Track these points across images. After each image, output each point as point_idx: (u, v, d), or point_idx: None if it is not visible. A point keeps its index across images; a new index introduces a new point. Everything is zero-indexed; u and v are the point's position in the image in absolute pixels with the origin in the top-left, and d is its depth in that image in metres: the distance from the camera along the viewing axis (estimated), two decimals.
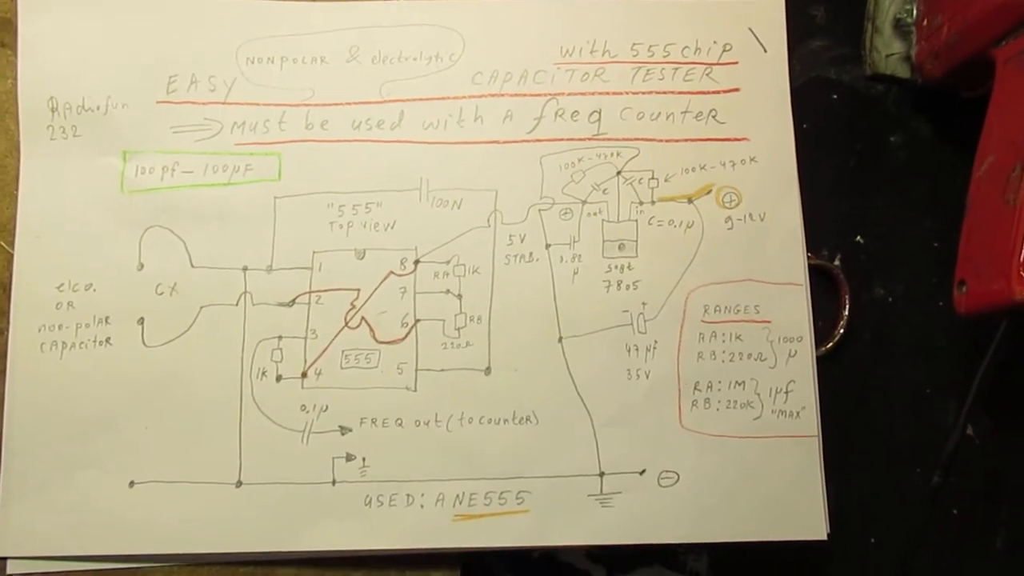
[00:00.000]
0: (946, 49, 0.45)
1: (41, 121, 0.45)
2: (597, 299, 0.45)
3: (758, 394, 0.45)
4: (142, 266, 0.45)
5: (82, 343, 0.44)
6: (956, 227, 0.43)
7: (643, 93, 0.47)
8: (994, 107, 0.42)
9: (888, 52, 0.49)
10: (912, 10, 0.48)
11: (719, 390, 0.45)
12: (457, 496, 0.44)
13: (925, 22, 0.47)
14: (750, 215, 0.46)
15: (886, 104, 0.50)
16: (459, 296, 0.45)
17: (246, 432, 0.44)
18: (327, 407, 0.44)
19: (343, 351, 0.45)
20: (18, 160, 0.45)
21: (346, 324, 0.45)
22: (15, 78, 0.46)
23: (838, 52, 0.51)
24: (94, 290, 0.45)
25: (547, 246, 0.46)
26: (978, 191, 0.42)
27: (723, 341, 0.45)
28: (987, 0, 0.42)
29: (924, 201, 0.49)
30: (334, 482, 0.44)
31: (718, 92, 0.47)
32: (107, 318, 0.44)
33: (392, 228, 0.46)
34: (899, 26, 0.48)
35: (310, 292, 0.45)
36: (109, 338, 0.44)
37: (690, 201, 0.46)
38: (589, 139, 0.47)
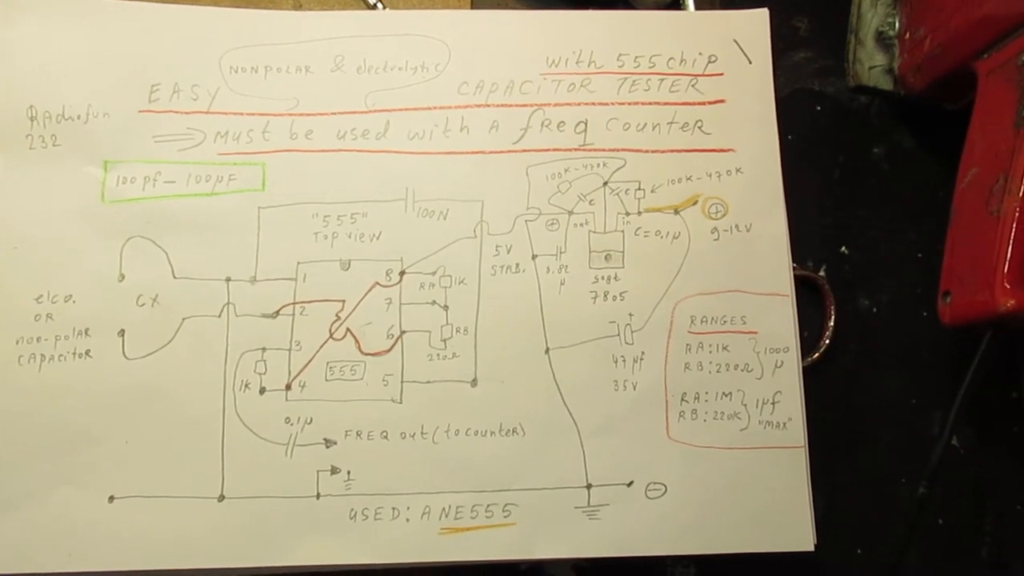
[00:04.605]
0: (928, 61, 0.46)
1: (20, 130, 0.45)
2: (584, 310, 0.45)
3: (745, 405, 0.45)
4: (123, 277, 0.44)
5: (61, 356, 0.43)
6: (940, 238, 0.43)
7: (629, 104, 0.47)
8: (976, 119, 0.43)
9: (871, 64, 0.49)
10: (895, 23, 0.49)
11: (706, 401, 0.45)
12: (443, 509, 0.43)
13: (907, 35, 0.48)
14: (736, 226, 0.46)
15: (869, 116, 0.51)
16: (445, 307, 0.45)
17: (229, 445, 0.43)
18: (311, 420, 0.44)
19: (328, 363, 0.44)
20: None
21: (331, 335, 0.45)
22: None
23: (822, 64, 0.51)
24: (74, 302, 0.44)
25: (533, 257, 0.46)
26: (962, 202, 0.42)
27: (710, 352, 0.45)
28: (968, 13, 0.42)
29: (908, 212, 0.50)
30: (318, 496, 0.43)
31: (704, 103, 0.48)
32: (87, 330, 0.44)
33: (377, 239, 0.45)
34: (882, 38, 0.49)
35: (294, 303, 0.45)
36: (89, 351, 0.44)
37: (676, 212, 0.46)
38: (575, 150, 0.47)
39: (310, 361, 0.44)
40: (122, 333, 0.44)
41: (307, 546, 0.43)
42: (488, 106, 0.47)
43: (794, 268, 0.46)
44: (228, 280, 0.45)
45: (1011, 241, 0.38)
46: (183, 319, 0.44)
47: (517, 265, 0.46)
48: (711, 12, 0.49)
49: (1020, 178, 0.38)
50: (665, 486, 0.44)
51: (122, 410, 0.43)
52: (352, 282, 0.45)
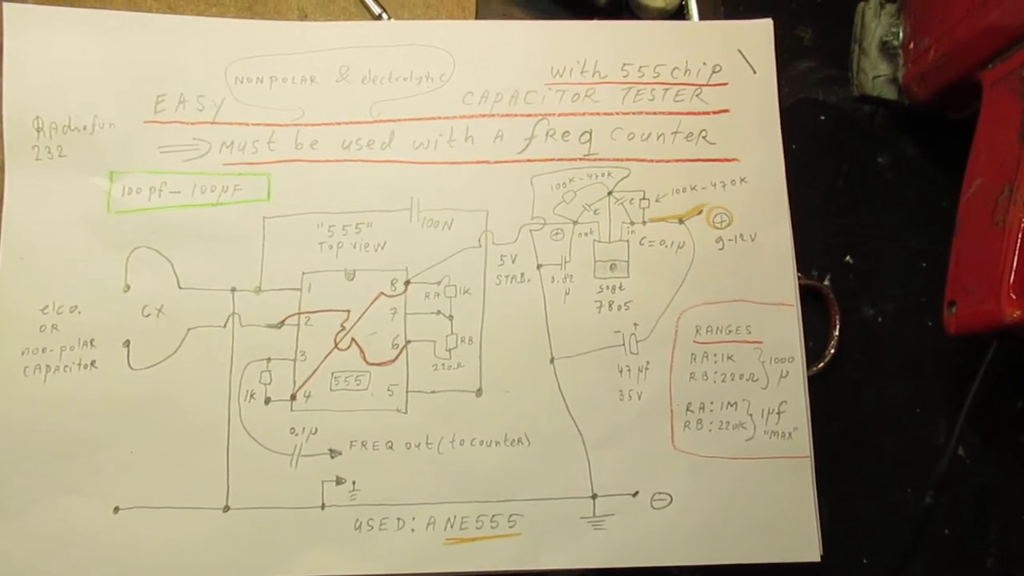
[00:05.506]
0: (932, 71, 0.46)
1: (26, 141, 0.45)
2: (589, 320, 0.45)
3: (750, 415, 0.45)
4: (128, 288, 0.44)
5: (66, 366, 0.43)
6: (944, 247, 0.43)
7: (634, 113, 0.47)
8: (981, 129, 0.43)
9: (875, 74, 0.49)
10: (899, 32, 0.49)
11: (711, 411, 0.45)
12: (448, 520, 0.43)
13: (911, 44, 0.48)
14: (741, 235, 0.46)
15: (873, 125, 0.51)
16: (450, 317, 0.45)
17: (234, 456, 0.43)
18: (316, 430, 0.44)
19: (333, 373, 0.44)
20: (2, 180, 0.45)
21: (336, 346, 0.45)
22: (0, 97, 0.45)
23: (826, 73, 0.51)
24: (79, 312, 0.44)
25: (538, 266, 0.46)
26: (967, 212, 0.42)
27: (715, 362, 0.45)
28: (973, 23, 0.42)
29: (912, 221, 0.50)
30: (324, 506, 0.43)
31: (708, 113, 0.48)
32: (92, 341, 0.44)
33: (382, 248, 0.45)
34: (886, 48, 0.49)
35: (299, 313, 0.45)
36: (94, 361, 0.44)
37: (681, 221, 0.46)
38: (580, 159, 0.47)
39: (315, 371, 0.44)
40: (127, 343, 0.44)
41: (312, 557, 0.43)
42: (493, 116, 0.47)
43: (799, 277, 0.46)
44: (233, 290, 0.45)
45: (1017, 251, 0.38)
46: (188, 329, 0.44)
47: (522, 275, 0.46)
48: (715, 22, 0.50)
49: None
50: (671, 496, 0.44)
51: (127, 420, 0.43)
52: (357, 292, 0.45)
